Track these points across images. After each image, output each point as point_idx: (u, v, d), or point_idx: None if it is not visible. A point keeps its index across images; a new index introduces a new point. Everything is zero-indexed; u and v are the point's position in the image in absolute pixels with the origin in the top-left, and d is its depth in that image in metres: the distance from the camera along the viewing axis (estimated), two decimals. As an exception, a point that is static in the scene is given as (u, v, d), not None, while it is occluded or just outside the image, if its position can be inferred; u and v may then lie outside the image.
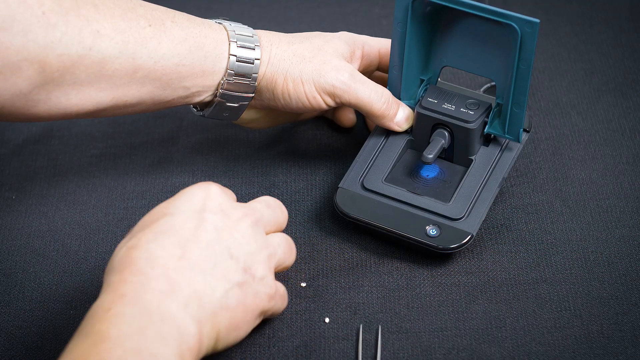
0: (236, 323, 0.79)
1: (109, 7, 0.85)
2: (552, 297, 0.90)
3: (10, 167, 1.02)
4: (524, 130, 0.95)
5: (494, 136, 0.95)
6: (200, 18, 0.91)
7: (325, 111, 1.03)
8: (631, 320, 0.88)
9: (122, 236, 0.96)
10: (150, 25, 0.87)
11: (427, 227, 0.91)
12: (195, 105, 0.95)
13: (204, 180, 1.00)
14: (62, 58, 0.82)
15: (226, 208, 0.81)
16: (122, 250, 0.78)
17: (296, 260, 0.90)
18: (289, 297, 0.88)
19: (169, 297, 0.75)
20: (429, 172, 0.96)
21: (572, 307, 0.89)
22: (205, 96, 0.92)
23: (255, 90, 0.92)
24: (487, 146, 0.95)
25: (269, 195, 0.98)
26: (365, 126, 1.04)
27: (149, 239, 0.77)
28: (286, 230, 0.96)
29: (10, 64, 0.80)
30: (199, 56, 0.89)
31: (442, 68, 0.96)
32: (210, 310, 0.77)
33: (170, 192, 0.99)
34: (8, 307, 0.91)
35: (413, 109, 0.96)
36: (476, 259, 0.92)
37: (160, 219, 0.79)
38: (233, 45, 0.91)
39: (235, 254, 0.79)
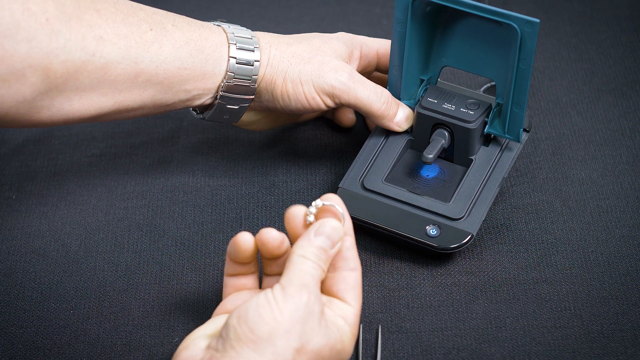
0: None
1: (110, 12, 0.85)
2: (552, 297, 0.90)
3: (10, 167, 1.02)
4: (524, 130, 0.95)
5: (494, 136, 0.95)
6: (199, 21, 0.91)
7: (325, 111, 1.03)
8: (631, 320, 0.88)
9: (122, 236, 0.96)
10: (151, 30, 0.87)
11: (427, 227, 0.91)
12: (195, 108, 0.94)
13: (204, 180, 1.00)
14: (66, 64, 0.82)
15: None
16: None
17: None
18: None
19: None
20: (429, 172, 0.96)
21: (572, 307, 0.89)
22: (206, 99, 0.92)
23: (255, 92, 0.92)
24: (487, 146, 0.95)
25: (269, 194, 0.98)
26: (365, 126, 1.04)
27: None
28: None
29: (15, 71, 0.80)
30: (199, 59, 0.89)
31: (442, 68, 0.96)
32: None
33: (170, 192, 0.99)
34: (8, 307, 0.91)
35: (413, 109, 0.96)
36: (476, 259, 0.92)
37: None
38: (232, 47, 0.90)
39: None
